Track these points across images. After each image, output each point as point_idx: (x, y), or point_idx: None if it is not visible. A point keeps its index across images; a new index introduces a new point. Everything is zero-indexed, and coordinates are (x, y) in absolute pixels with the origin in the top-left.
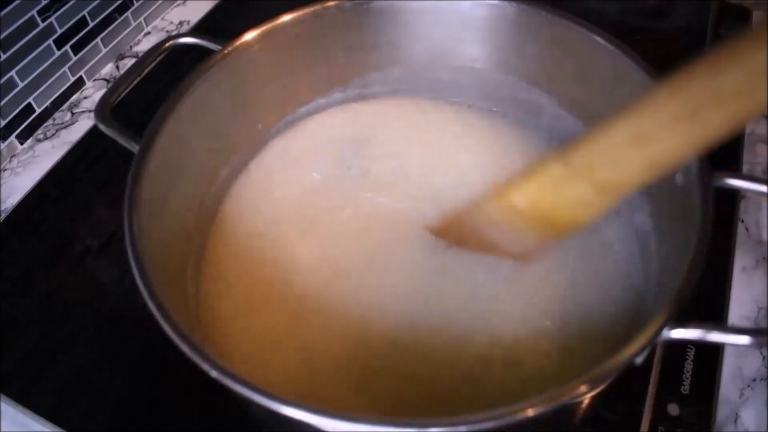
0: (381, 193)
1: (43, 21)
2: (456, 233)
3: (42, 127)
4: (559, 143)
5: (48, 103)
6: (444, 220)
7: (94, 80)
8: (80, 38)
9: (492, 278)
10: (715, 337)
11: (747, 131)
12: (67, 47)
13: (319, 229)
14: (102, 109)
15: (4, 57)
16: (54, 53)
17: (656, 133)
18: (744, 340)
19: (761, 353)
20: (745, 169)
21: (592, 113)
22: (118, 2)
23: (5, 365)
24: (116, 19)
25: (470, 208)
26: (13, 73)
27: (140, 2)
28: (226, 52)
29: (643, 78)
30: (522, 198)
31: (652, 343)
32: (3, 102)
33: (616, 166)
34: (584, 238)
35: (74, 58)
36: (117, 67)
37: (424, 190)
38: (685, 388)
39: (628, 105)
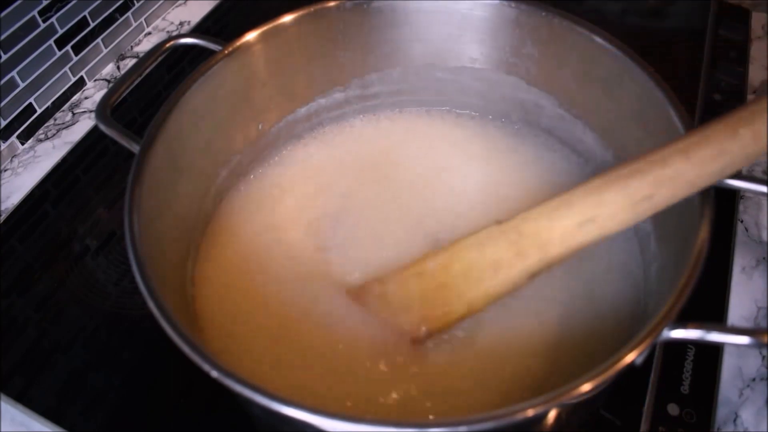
0: (384, 200)
1: (44, 21)
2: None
3: (43, 127)
4: (560, 144)
5: (49, 103)
6: (366, 283)
7: (95, 80)
8: (81, 38)
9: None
10: (715, 337)
11: None
12: (68, 47)
13: (320, 232)
14: (102, 110)
15: (5, 57)
16: (55, 53)
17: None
18: (744, 340)
19: (761, 353)
20: (744, 169)
21: (592, 113)
22: (119, 3)
23: (4, 364)
24: (117, 20)
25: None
26: (14, 73)
27: (141, 3)
28: (226, 52)
29: (643, 78)
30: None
31: (652, 344)
32: (4, 102)
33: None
34: None
35: (75, 59)
36: (118, 68)
37: (427, 203)
38: (685, 388)
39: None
